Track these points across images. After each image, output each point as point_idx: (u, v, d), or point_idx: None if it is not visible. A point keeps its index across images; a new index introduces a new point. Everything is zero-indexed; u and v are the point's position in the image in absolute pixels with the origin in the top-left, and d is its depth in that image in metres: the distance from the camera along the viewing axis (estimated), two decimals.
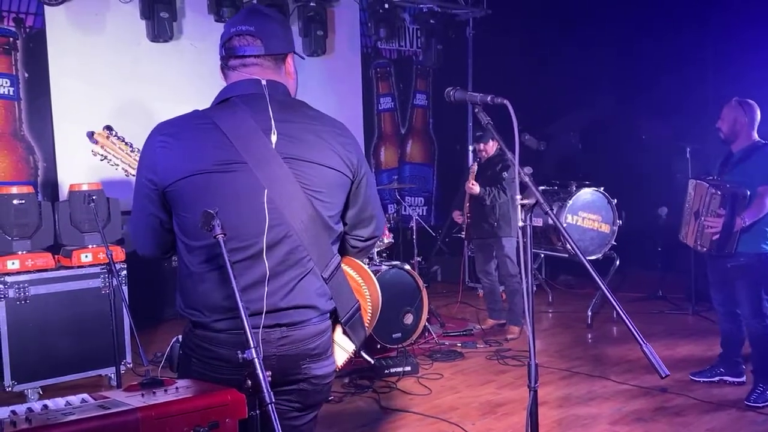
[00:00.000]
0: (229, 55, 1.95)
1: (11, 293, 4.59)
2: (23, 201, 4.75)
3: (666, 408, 4.33)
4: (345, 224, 2.06)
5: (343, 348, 2.08)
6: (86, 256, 4.87)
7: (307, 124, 1.94)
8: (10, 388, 4.57)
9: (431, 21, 8.61)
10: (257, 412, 1.62)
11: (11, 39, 6.15)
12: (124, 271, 4.99)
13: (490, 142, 5.92)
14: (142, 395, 1.61)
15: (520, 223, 2.00)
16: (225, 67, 1.98)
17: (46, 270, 4.77)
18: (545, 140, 7.87)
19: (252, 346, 1.59)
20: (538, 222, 6.28)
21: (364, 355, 4.92)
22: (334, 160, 1.93)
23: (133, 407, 1.52)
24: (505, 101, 2.03)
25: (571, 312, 6.94)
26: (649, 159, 8.03)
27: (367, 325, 2.11)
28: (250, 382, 1.58)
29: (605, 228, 6.39)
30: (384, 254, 6.09)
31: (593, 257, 6.26)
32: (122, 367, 4.84)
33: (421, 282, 5.66)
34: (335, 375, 2.07)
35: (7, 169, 6.16)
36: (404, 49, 9.03)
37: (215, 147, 1.84)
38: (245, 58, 1.94)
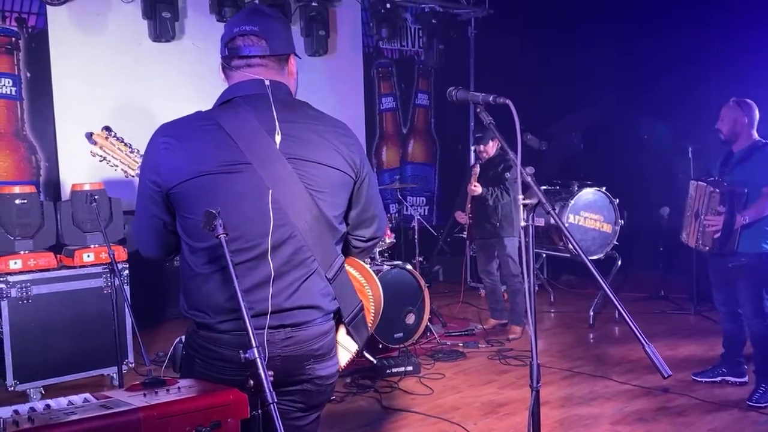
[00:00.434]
0: (232, 55, 1.94)
1: (13, 293, 4.59)
2: (25, 201, 4.76)
3: (668, 408, 4.33)
4: (347, 224, 2.05)
5: (346, 348, 2.08)
6: (88, 256, 4.87)
7: (309, 124, 1.93)
8: (12, 388, 4.57)
9: (433, 21, 8.61)
10: (259, 411, 1.62)
11: (13, 39, 6.15)
12: (126, 271, 4.99)
13: (490, 143, 5.92)
14: (144, 395, 1.61)
15: (523, 223, 2.00)
16: (227, 67, 1.97)
17: (48, 270, 4.77)
18: (547, 140, 7.85)
19: (254, 345, 1.59)
20: (540, 222, 6.28)
21: (367, 355, 4.93)
22: (337, 160, 1.93)
23: (136, 407, 1.52)
24: (507, 101, 2.02)
25: (573, 312, 6.94)
26: (650, 159, 8.02)
27: (369, 325, 2.11)
28: (252, 382, 1.59)
29: (607, 228, 6.38)
30: (386, 254, 6.09)
31: (595, 257, 6.25)
32: (124, 367, 4.84)
33: (422, 282, 5.67)
34: (338, 375, 2.08)
35: (10, 168, 6.16)
36: (406, 49, 9.02)
37: (219, 148, 1.83)
38: (250, 59, 1.93)
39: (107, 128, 2.42)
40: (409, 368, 5.03)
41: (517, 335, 6.00)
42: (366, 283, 2.14)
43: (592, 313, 6.40)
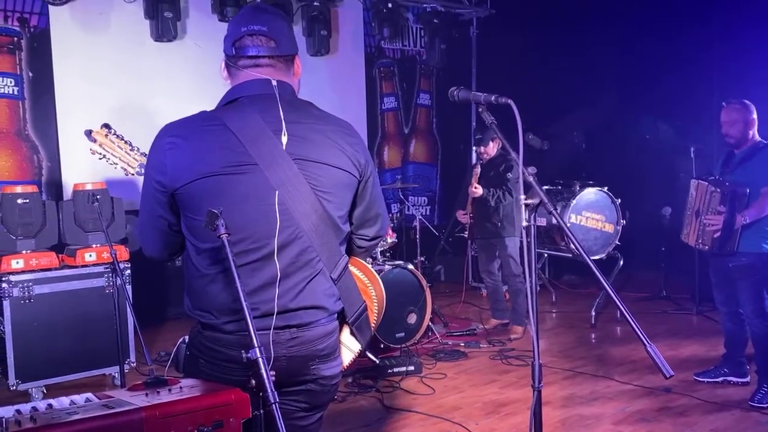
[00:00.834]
0: (240, 54, 1.92)
1: (15, 292, 4.60)
2: (27, 200, 4.76)
3: (670, 408, 4.33)
4: (351, 224, 2.05)
5: (349, 348, 2.08)
6: (90, 256, 4.88)
7: (314, 124, 1.93)
8: (14, 387, 4.58)
9: (435, 20, 8.61)
10: (261, 411, 1.62)
11: (15, 38, 6.16)
12: (128, 271, 4.99)
13: (490, 144, 5.91)
14: (146, 395, 1.61)
15: (524, 223, 1.99)
16: (233, 67, 1.94)
17: (50, 269, 4.77)
18: (549, 140, 7.85)
19: (256, 345, 1.59)
20: (542, 222, 6.28)
21: (369, 355, 4.93)
22: (342, 160, 1.93)
23: (138, 407, 1.52)
24: (509, 101, 2.02)
25: (574, 312, 6.94)
26: (652, 159, 8.02)
27: (372, 325, 2.11)
28: (254, 382, 1.59)
29: (609, 228, 6.38)
30: (387, 254, 6.09)
31: (597, 257, 6.25)
32: (126, 367, 4.84)
33: (424, 282, 5.67)
34: (341, 375, 2.08)
35: (12, 168, 6.17)
36: (408, 49, 9.02)
37: (225, 149, 1.82)
38: (258, 59, 1.92)
39: (106, 126, 2.42)
40: (411, 368, 5.03)
41: (519, 335, 6.00)
42: (369, 284, 2.14)
43: (593, 313, 6.40)
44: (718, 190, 4.32)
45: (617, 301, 1.80)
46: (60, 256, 4.89)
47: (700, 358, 5.27)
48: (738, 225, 4.22)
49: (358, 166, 1.97)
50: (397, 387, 4.79)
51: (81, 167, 6.15)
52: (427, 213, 9.17)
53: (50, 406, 1.58)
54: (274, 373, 1.62)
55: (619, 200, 6.41)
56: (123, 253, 4.95)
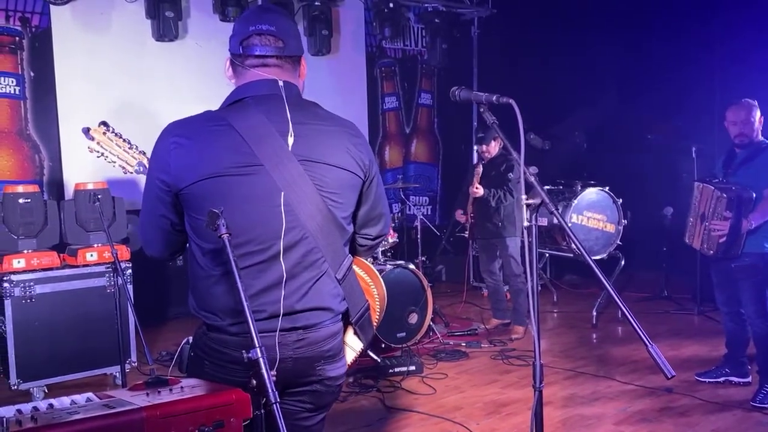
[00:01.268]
0: (248, 53, 1.90)
1: (17, 292, 4.60)
2: (29, 200, 4.76)
3: (671, 408, 4.32)
4: (354, 223, 2.05)
5: (351, 348, 2.09)
6: (91, 255, 4.88)
7: (319, 125, 1.92)
8: (15, 387, 4.58)
9: (436, 20, 8.61)
10: (262, 411, 1.62)
11: (17, 38, 6.16)
12: (129, 270, 5.00)
13: (492, 143, 5.90)
14: (147, 394, 1.61)
15: (526, 223, 1.99)
16: (240, 66, 1.92)
17: (51, 269, 4.78)
18: (550, 140, 7.85)
19: (257, 345, 1.58)
20: (543, 222, 6.27)
21: (371, 354, 4.93)
22: (348, 161, 1.93)
23: (138, 407, 1.52)
24: (511, 101, 2.02)
25: (575, 312, 6.93)
26: (654, 159, 8.01)
27: (374, 324, 2.12)
28: (255, 382, 1.58)
29: (610, 228, 6.37)
30: (388, 254, 6.09)
31: (598, 257, 6.24)
32: (127, 366, 4.85)
33: (425, 281, 5.66)
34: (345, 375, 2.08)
35: (13, 168, 6.17)
36: (409, 49, 9.02)
37: (231, 149, 1.81)
38: (266, 59, 1.90)
39: (104, 123, 2.40)
40: (412, 368, 5.03)
41: (520, 335, 6.00)
42: (372, 283, 2.15)
43: (595, 313, 6.39)
44: (725, 195, 4.28)
45: (618, 301, 1.80)
46: (61, 255, 4.90)
47: (702, 358, 5.27)
48: (744, 230, 4.21)
49: (362, 166, 1.97)
50: (398, 387, 4.79)
51: (82, 167, 6.16)
52: (429, 213, 9.17)
53: (51, 405, 1.58)
54: (274, 373, 1.61)
55: (621, 200, 6.40)
56: (124, 252, 4.96)
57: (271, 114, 1.86)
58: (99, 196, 4.52)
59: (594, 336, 6.12)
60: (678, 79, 7.55)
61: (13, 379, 4.58)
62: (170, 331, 6.26)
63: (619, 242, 6.39)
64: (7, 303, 4.56)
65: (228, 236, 1.65)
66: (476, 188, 5.82)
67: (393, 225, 6.55)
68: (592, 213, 6.30)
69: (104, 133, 2.36)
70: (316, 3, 7.51)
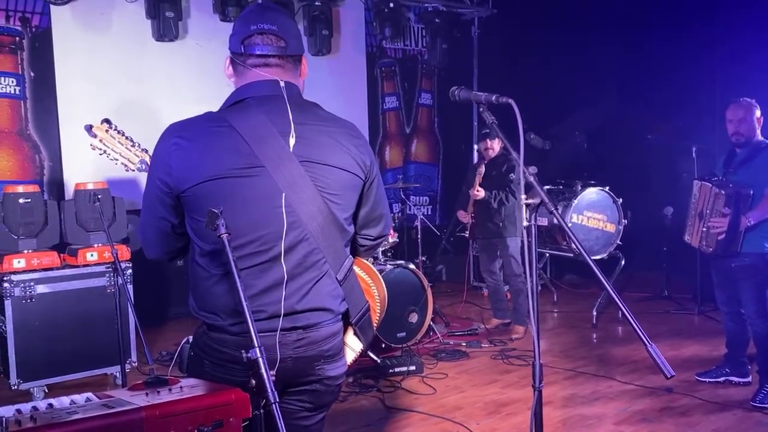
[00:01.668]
0: (249, 53, 1.89)
1: (17, 292, 4.60)
2: (29, 200, 4.76)
3: (671, 408, 4.32)
4: (355, 224, 2.05)
5: (351, 348, 2.09)
6: (92, 255, 4.88)
7: (320, 126, 1.92)
8: (15, 387, 4.58)
9: (436, 20, 8.60)
10: (261, 411, 1.62)
11: (17, 38, 6.16)
12: (130, 270, 5.00)
13: (497, 139, 5.90)
14: (147, 394, 1.61)
15: (525, 223, 1.99)
16: (241, 65, 1.91)
17: (51, 269, 4.78)
18: (550, 140, 7.85)
19: (256, 345, 1.58)
20: (543, 221, 6.28)
21: (371, 354, 4.93)
22: (349, 162, 1.93)
23: (138, 406, 1.52)
24: (510, 100, 2.02)
25: (576, 312, 6.93)
26: (654, 158, 8.01)
27: (374, 324, 2.12)
28: (254, 382, 1.58)
29: (610, 228, 6.37)
30: (389, 253, 6.09)
31: (598, 257, 6.24)
32: (127, 366, 4.85)
33: (425, 281, 5.66)
34: (345, 375, 2.08)
35: (13, 168, 6.18)
36: (409, 49, 9.02)
37: (233, 151, 1.81)
38: (268, 58, 1.89)
39: (107, 121, 2.39)
40: (412, 368, 5.03)
41: (520, 335, 6.00)
42: (372, 284, 2.15)
43: (595, 313, 6.39)
44: (723, 192, 4.29)
45: (618, 301, 1.80)
46: (61, 255, 4.90)
47: (702, 358, 5.27)
48: (742, 227, 4.21)
49: (363, 167, 1.97)
50: (398, 387, 4.79)
51: (82, 167, 6.16)
52: (429, 213, 9.17)
53: (50, 405, 1.58)
54: (274, 373, 1.61)
55: (621, 200, 6.40)
56: (124, 252, 4.96)
57: (272, 115, 1.86)
58: (99, 196, 4.52)
59: (594, 336, 6.12)
60: (678, 78, 7.55)
61: (13, 379, 4.58)
62: (170, 331, 6.26)
63: (619, 242, 6.39)
64: (8, 303, 4.57)
65: (227, 236, 1.65)
66: (477, 191, 5.82)
67: (393, 225, 6.55)
68: (592, 213, 6.30)
69: (107, 131, 2.36)
70: (317, 3, 7.51)
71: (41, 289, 4.70)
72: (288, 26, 1.92)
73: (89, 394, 1.65)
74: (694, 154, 6.47)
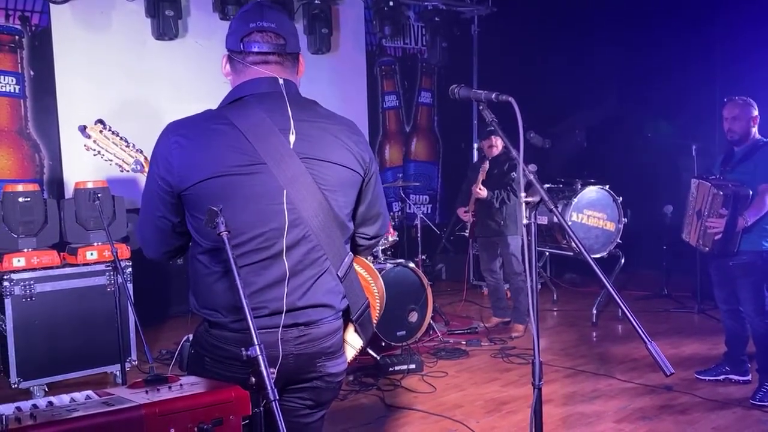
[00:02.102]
0: (248, 50, 1.89)
1: (17, 291, 4.61)
2: (29, 199, 4.77)
3: (671, 406, 4.32)
4: (353, 222, 2.05)
5: (351, 345, 2.10)
6: (91, 254, 4.88)
7: (320, 123, 1.92)
8: (15, 385, 4.58)
9: (436, 19, 8.61)
10: (261, 409, 1.62)
11: (17, 37, 6.16)
12: (129, 269, 5.00)
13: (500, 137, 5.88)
14: (147, 392, 1.61)
15: (525, 221, 1.99)
16: (240, 63, 1.91)
17: (51, 267, 4.78)
18: (550, 138, 7.83)
19: (256, 343, 1.59)
20: (543, 220, 6.28)
21: (370, 351, 4.93)
22: (348, 158, 1.93)
23: (138, 404, 1.52)
24: (510, 99, 2.01)
25: (575, 310, 6.93)
26: (654, 157, 8.00)
27: (374, 321, 2.12)
28: (254, 379, 1.58)
29: (610, 226, 6.37)
30: (389, 252, 6.09)
31: (598, 255, 6.24)
32: (127, 365, 4.86)
33: (425, 280, 5.66)
34: (345, 372, 2.08)
35: (13, 167, 6.18)
36: (409, 47, 9.02)
37: (234, 148, 1.81)
38: (267, 56, 1.89)
39: (101, 121, 2.37)
40: (412, 366, 5.04)
41: (520, 333, 6.00)
42: (372, 281, 2.15)
43: (595, 312, 6.40)
44: (721, 192, 4.28)
45: (618, 299, 1.80)
46: (61, 254, 4.90)
47: (702, 356, 5.27)
48: (740, 228, 4.21)
49: (363, 164, 1.98)
50: (398, 385, 4.79)
51: (82, 165, 6.16)
52: (429, 211, 9.17)
53: (50, 403, 1.58)
54: (274, 370, 1.62)
55: (621, 198, 6.40)
56: (124, 251, 4.96)
57: (272, 112, 1.86)
58: (99, 195, 4.51)
59: (594, 334, 6.12)
60: (678, 77, 7.54)
61: (13, 377, 4.59)
62: (170, 329, 6.26)
63: (619, 240, 6.39)
64: (8, 302, 4.57)
65: (227, 234, 1.65)
66: (479, 189, 5.82)
67: (393, 223, 6.55)
68: (592, 211, 6.30)
69: (101, 131, 2.34)
70: (316, 1, 7.51)
71: (41, 287, 4.70)
72: (286, 24, 1.93)
73: (89, 392, 1.65)
74: (694, 153, 6.47)
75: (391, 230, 5.99)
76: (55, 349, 4.72)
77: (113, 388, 1.68)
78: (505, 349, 5.61)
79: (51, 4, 6.20)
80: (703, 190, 4.49)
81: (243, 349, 1.60)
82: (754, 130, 4.35)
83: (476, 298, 7.52)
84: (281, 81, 1.90)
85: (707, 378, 4.72)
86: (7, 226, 4.73)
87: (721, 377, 4.69)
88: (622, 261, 6.50)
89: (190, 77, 6.86)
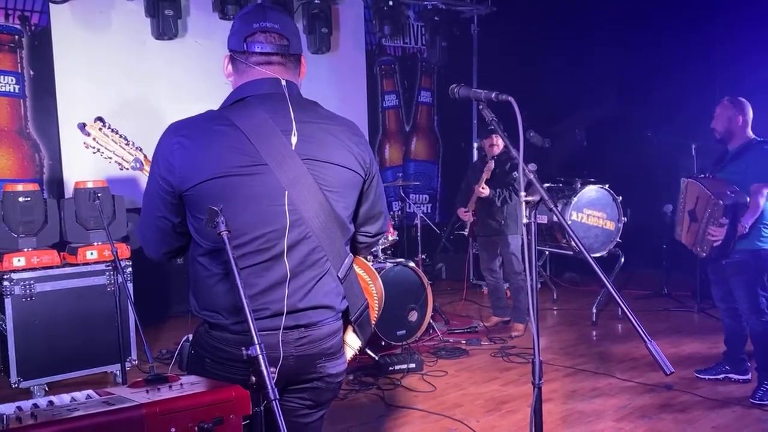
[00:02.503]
0: (252, 51, 1.88)
1: (17, 290, 4.61)
2: (29, 198, 4.77)
3: (671, 405, 4.33)
4: (354, 222, 2.06)
5: (350, 346, 2.10)
6: (91, 254, 4.88)
7: (322, 124, 1.92)
8: (16, 385, 4.59)
9: (436, 18, 8.61)
10: (261, 408, 1.63)
11: (17, 37, 6.16)
12: (130, 269, 5.00)
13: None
14: (147, 391, 1.61)
15: (525, 220, 1.99)
16: (242, 63, 1.91)
17: (51, 267, 4.78)
18: (550, 137, 7.83)
19: (256, 342, 1.59)
20: (543, 219, 6.28)
21: (369, 352, 4.93)
22: (350, 159, 1.94)
23: (138, 403, 1.52)
24: (510, 98, 2.02)
25: (575, 309, 6.94)
26: (654, 156, 8.00)
27: (372, 322, 2.13)
28: (254, 379, 1.59)
29: (610, 225, 6.38)
30: (389, 251, 6.09)
31: (598, 254, 6.25)
32: (127, 364, 4.86)
33: (425, 279, 5.67)
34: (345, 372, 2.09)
35: (13, 166, 6.18)
36: (409, 47, 9.02)
37: (236, 149, 1.80)
38: (271, 56, 1.89)
39: (100, 119, 2.36)
40: (412, 365, 5.04)
41: (520, 332, 6.01)
42: (371, 282, 2.16)
43: (594, 311, 6.40)
44: (721, 202, 4.27)
45: (618, 298, 1.80)
46: (61, 254, 4.90)
47: (702, 355, 5.27)
48: (739, 233, 4.23)
49: (363, 165, 1.98)
50: (398, 384, 4.79)
51: (82, 165, 6.16)
52: (429, 211, 9.17)
53: (51, 402, 1.58)
54: (274, 370, 1.62)
55: (621, 198, 6.40)
56: (124, 251, 4.96)
57: (274, 113, 1.86)
58: (99, 195, 4.52)
59: (594, 333, 6.13)
60: (678, 76, 7.55)
61: (13, 377, 4.59)
62: (171, 329, 6.26)
63: (618, 240, 6.39)
64: (8, 301, 4.57)
65: (227, 234, 1.65)
66: (482, 188, 5.82)
67: (393, 223, 6.55)
68: (592, 210, 6.31)
69: (100, 129, 2.33)
70: (316, 1, 7.51)
71: (41, 287, 4.70)
72: (289, 25, 1.93)
73: (90, 392, 1.65)
74: (693, 152, 6.47)
75: (391, 229, 5.99)
76: (55, 348, 4.72)
77: (114, 388, 1.68)
78: (505, 348, 5.61)
79: (50, 4, 6.20)
80: (693, 190, 4.51)
81: (243, 348, 1.60)
82: (745, 129, 4.36)
83: (476, 298, 7.52)
84: (283, 82, 1.90)
85: (707, 377, 4.72)
86: (7, 226, 4.73)
87: (721, 376, 4.70)
88: (622, 260, 6.51)
89: (190, 77, 6.86)
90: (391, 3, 8.04)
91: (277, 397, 1.55)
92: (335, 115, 2.00)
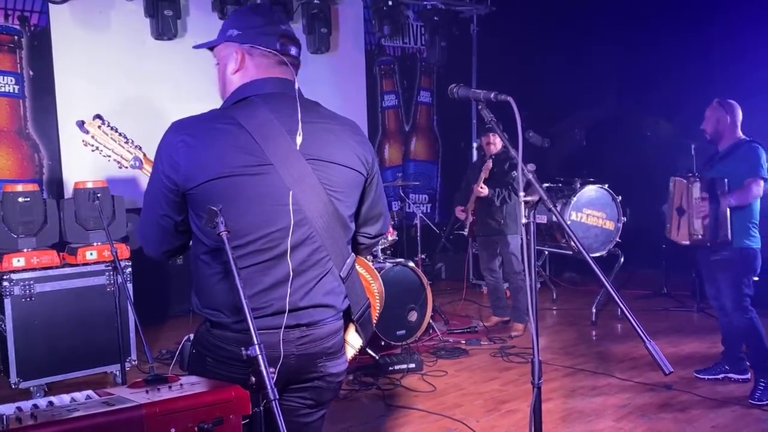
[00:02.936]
0: (287, 52, 1.94)
1: (17, 291, 4.61)
2: (28, 199, 4.77)
3: (670, 405, 4.33)
4: (354, 221, 2.06)
5: (351, 345, 2.10)
6: (91, 254, 4.88)
7: (325, 124, 1.93)
8: (15, 385, 4.58)
9: (435, 18, 8.61)
10: (261, 408, 1.63)
11: (16, 37, 6.16)
12: (129, 269, 5.00)
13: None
14: (147, 392, 1.61)
15: (524, 220, 1.99)
16: (266, 59, 1.93)
17: (51, 267, 4.78)
18: (549, 137, 7.84)
19: (255, 342, 1.59)
20: (543, 219, 6.28)
21: (369, 351, 4.93)
22: (353, 159, 1.95)
23: (138, 404, 1.52)
24: (509, 98, 2.02)
25: (575, 309, 6.94)
26: (653, 156, 8.01)
27: (373, 321, 2.13)
28: (254, 379, 1.59)
29: (609, 225, 6.38)
30: (388, 251, 6.09)
31: (597, 254, 6.25)
32: (127, 364, 4.85)
33: (425, 279, 5.67)
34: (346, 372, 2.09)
35: (13, 167, 6.18)
36: (408, 47, 9.02)
37: (241, 148, 1.81)
38: (294, 59, 1.97)
39: (99, 117, 2.36)
40: (412, 365, 5.04)
41: (520, 332, 6.01)
42: (372, 281, 2.16)
43: (594, 311, 6.40)
44: (696, 180, 4.42)
45: (617, 298, 1.80)
46: (61, 254, 4.90)
47: (701, 355, 5.28)
48: (724, 207, 4.29)
49: (365, 164, 1.99)
50: (398, 384, 4.79)
51: (82, 165, 6.16)
52: (428, 211, 9.17)
53: (51, 403, 1.58)
54: (273, 370, 1.62)
55: (620, 197, 6.41)
56: (124, 251, 4.96)
57: (278, 112, 1.87)
58: (98, 195, 4.52)
59: (593, 333, 6.13)
60: (677, 76, 7.55)
61: (13, 377, 4.59)
62: (170, 329, 6.26)
63: (618, 239, 6.40)
64: (7, 302, 4.57)
65: (227, 234, 1.65)
66: (481, 187, 5.82)
67: (392, 223, 6.55)
68: (592, 210, 6.31)
69: (99, 127, 2.32)
70: (315, 1, 7.51)
71: (41, 287, 4.70)
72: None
73: (90, 392, 1.65)
74: (692, 152, 6.46)
75: (391, 230, 5.99)
76: (55, 349, 4.72)
77: (113, 388, 1.68)
78: (505, 348, 5.62)
79: (50, 4, 6.19)
80: (680, 187, 4.56)
81: (243, 348, 1.60)
82: (734, 130, 4.44)
83: (476, 297, 7.52)
84: (297, 84, 1.94)
85: (707, 377, 4.73)
86: (6, 226, 4.73)
87: (720, 376, 4.70)
88: (622, 260, 6.51)
89: (190, 77, 6.85)
90: (390, 3, 8.05)
91: (277, 397, 1.55)
92: (336, 114, 2.01)
